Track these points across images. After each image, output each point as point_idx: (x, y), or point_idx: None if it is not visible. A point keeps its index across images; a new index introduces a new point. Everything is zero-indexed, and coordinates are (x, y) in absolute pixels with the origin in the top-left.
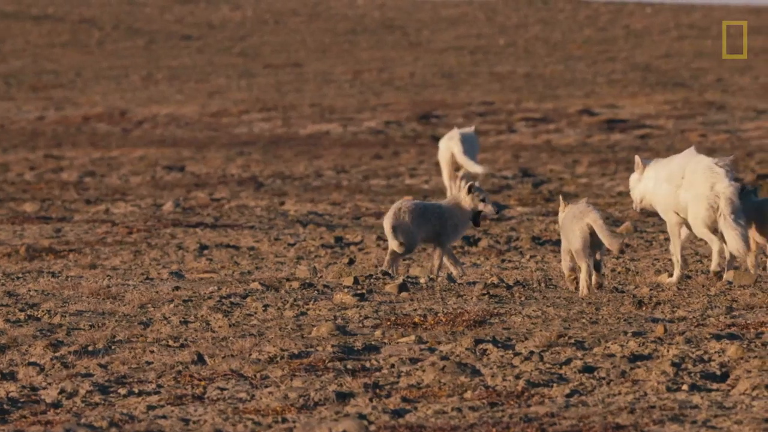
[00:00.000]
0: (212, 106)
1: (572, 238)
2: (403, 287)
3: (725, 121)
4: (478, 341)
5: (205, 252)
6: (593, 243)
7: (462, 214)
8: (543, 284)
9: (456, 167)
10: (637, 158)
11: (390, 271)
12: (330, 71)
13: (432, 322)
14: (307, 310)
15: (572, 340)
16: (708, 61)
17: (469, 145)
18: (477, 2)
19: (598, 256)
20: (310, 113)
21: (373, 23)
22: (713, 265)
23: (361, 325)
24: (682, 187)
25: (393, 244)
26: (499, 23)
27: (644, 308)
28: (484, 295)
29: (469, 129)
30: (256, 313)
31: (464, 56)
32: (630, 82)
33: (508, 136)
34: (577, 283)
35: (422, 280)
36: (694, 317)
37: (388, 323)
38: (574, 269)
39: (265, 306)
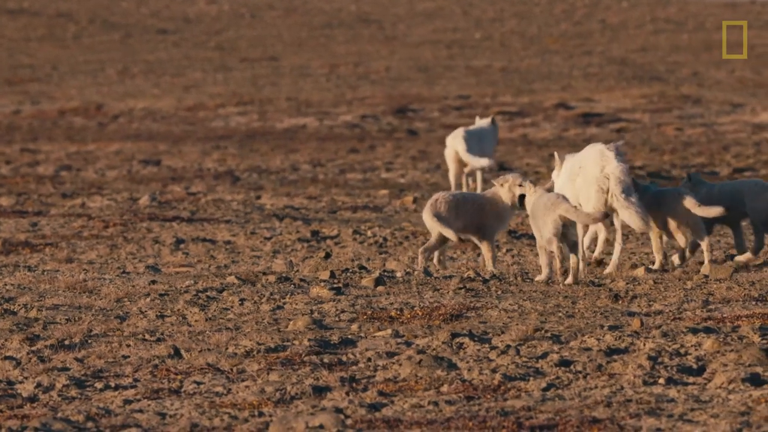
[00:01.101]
0: (188, 100)
1: (543, 229)
2: (379, 281)
3: (701, 115)
4: (454, 335)
5: (182, 246)
6: (565, 232)
7: (503, 204)
8: (519, 278)
9: (463, 164)
10: (555, 154)
11: (435, 266)
12: (306, 65)
13: (408, 315)
14: (284, 304)
15: (549, 334)
16: (684, 55)
17: (476, 141)
18: None
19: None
20: (286, 107)
21: (349, 17)
22: (596, 253)
23: (337, 319)
24: (579, 175)
25: (435, 235)
26: (475, 17)
27: (620, 302)
28: (460, 288)
29: (484, 121)
30: (232, 307)
31: (440, 50)
32: (606, 76)
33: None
34: (567, 273)
35: (398, 274)
36: (670, 311)
37: (365, 317)
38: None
39: (242, 300)
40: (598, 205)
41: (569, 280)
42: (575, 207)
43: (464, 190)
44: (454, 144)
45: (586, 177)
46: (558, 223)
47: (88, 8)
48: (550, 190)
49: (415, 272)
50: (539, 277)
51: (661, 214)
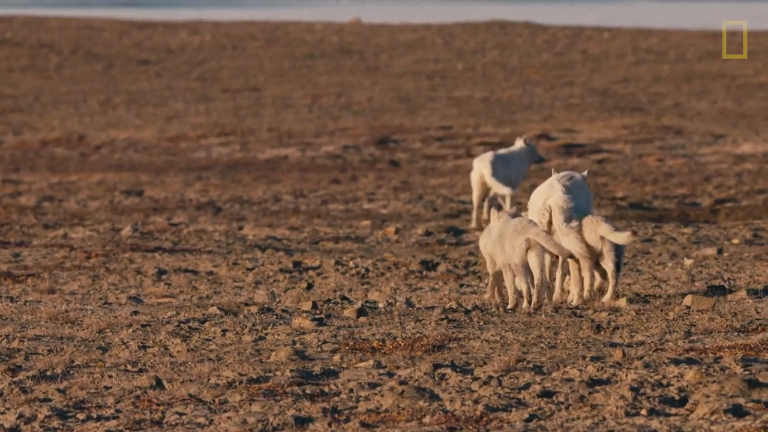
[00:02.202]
0: (170, 131)
1: (512, 253)
2: (361, 312)
3: (683, 146)
4: (436, 366)
5: (164, 277)
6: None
7: None
8: (501, 309)
9: (487, 188)
10: None
11: (503, 299)
12: (288, 96)
13: (391, 346)
14: (266, 334)
15: (531, 365)
16: (665, 86)
17: (503, 166)
18: (434, 27)
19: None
20: (268, 138)
21: (331, 48)
22: (596, 284)
23: (319, 349)
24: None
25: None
26: (457, 48)
27: (602, 333)
28: (442, 319)
29: (517, 144)
30: (214, 337)
31: (422, 81)
32: (588, 107)
33: (466, 161)
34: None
35: (381, 305)
36: (652, 342)
37: (347, 348)
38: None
39: (224, 331)
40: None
41: (529, 306)
42: (545, 233)
43: (484, 214)
44: (480, 167)
45: (535, 208)
46: (523, 249)
47: (70, 39)
48: (515, 215)
49: (397, 303)
50: (524, 306)
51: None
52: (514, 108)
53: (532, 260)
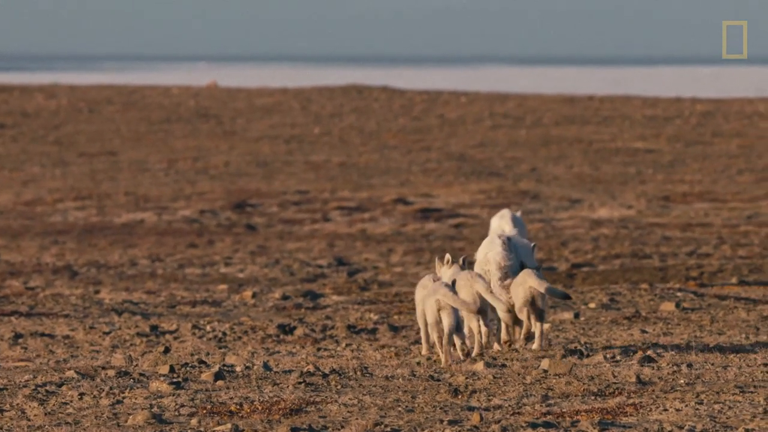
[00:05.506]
0: (26, 195)
1: (427, 313)
2: (219, 375)
3: (540, 210)
4: (294, 429)
5: (20, 341)
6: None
7: None
8: (359, 372)
9: None
10: None
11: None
12: (145, 160)
13: (248, 410)
14: (123, 398)
15: (389, 429)
16: (522, 151)
17: (521, 227)
18: (292, 91)
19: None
20: (124, 202)
21: (188, 112)
22: (503, 335)
23: (177, 413)
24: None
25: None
26: (314, 112)
27: (460, 396)
28: (300, 383)
29: (517, 213)
30: (71, 401)
31: (279, 145)
32: (445, 171)
33: (323, 225)
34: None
35: (238, 368)
36: (509, 405)
37: (205, 411)
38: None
39: (81, 394)
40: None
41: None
42: (454, 294)
43: None
44: (501, 224)
45: (478, 261)
46: (434, 308)
47: None
48: (463, 266)
49: (255, 366)
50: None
51: None
52: (371, 172)
53: (444, 319)
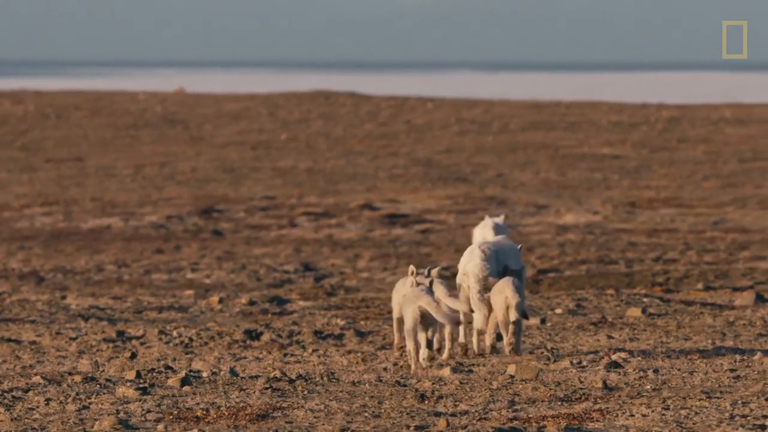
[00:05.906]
0: None
1: (405, 318)
2: (185, 381)
3: (506, 216)
4: None
5: None
6: (424, 323)
7: None
8: (326, 378)
9: None
10: None
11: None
12: (112, 165)
13: (215, 416)
14: (90, 404)
15: None
16: (489, 157)
17: (504, 232)
18: (259, 97)
19: (429, 334)
20: (91, 207)
21: (155, 118)
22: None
23: (143, 419)
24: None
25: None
26: (282, 118)
27: (427, 402)
28: (266, 389)
29: (499, 218)
30: (38, 407)
31: (246, 151)
32: (411, 177)
33: (290, 231)
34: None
35: (205, 374)
36: (476, 411)
37: (171, 417)
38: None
39: (48, 400)
40: (463, 299)
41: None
42: (435, 303)
43: None
44: (484, 233)
45: (459, 274)
46: (417, 314)
47: None
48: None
49: (221, 372)
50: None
51: None
52: (338, 178)
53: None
